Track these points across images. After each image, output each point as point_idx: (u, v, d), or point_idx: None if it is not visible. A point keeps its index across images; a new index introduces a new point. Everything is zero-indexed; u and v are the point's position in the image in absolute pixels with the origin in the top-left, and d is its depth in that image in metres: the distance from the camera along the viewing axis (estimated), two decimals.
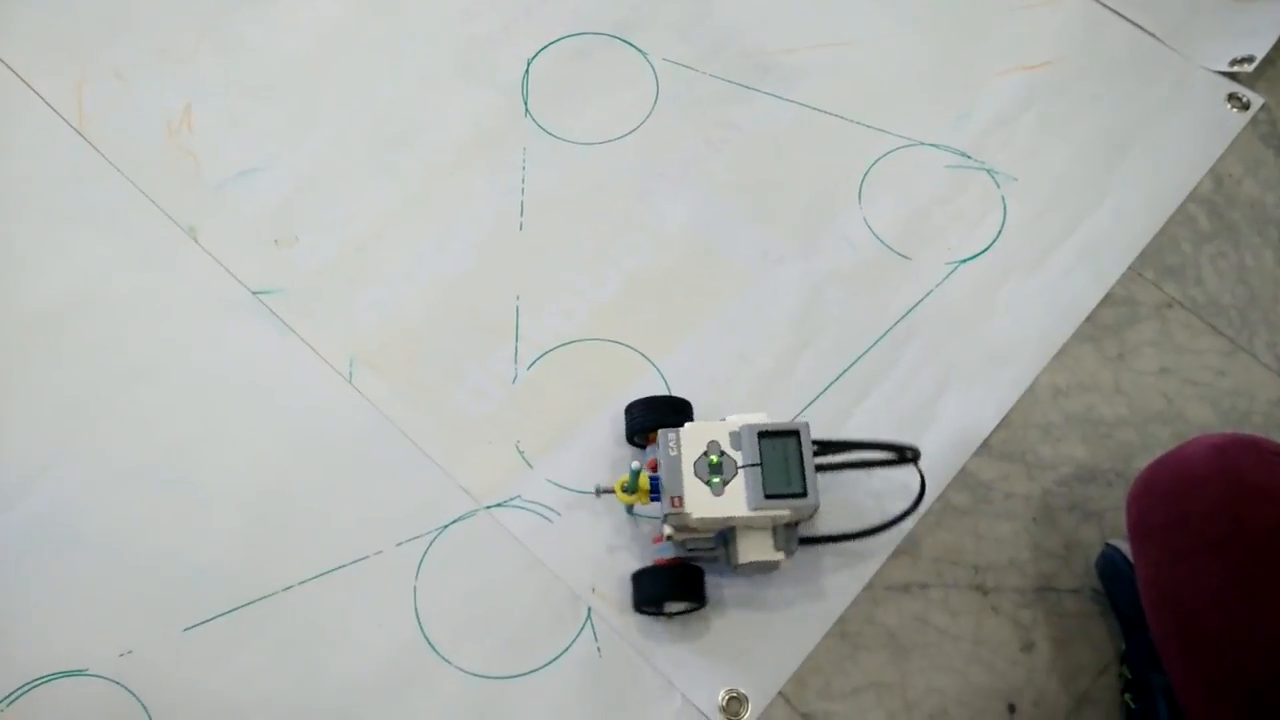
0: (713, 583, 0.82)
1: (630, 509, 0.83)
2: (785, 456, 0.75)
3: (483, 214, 0.96)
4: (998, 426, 0.89)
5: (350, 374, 0.89)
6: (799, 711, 0.80)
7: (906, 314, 0.93)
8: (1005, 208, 0.98)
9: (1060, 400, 0.91)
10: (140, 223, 0.94)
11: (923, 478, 0.81)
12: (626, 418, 0.85)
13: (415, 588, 0.82)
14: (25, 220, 0.94)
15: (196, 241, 0.94)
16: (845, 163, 1.00)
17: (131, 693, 0.78)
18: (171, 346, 0.90)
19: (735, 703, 0.79)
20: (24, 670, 0.78)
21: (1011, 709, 0.81)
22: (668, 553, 0.79)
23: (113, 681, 0.78)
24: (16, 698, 0.77)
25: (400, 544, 0.83)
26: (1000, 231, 0.97)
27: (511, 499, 0.85)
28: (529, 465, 0.86)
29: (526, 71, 1.03)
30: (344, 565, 0.82)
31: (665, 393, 0.88)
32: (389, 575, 0.82)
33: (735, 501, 0.75)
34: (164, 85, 1.01)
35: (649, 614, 0.81)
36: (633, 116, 1.01)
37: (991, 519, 0.86)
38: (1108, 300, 0.95)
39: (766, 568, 0.79)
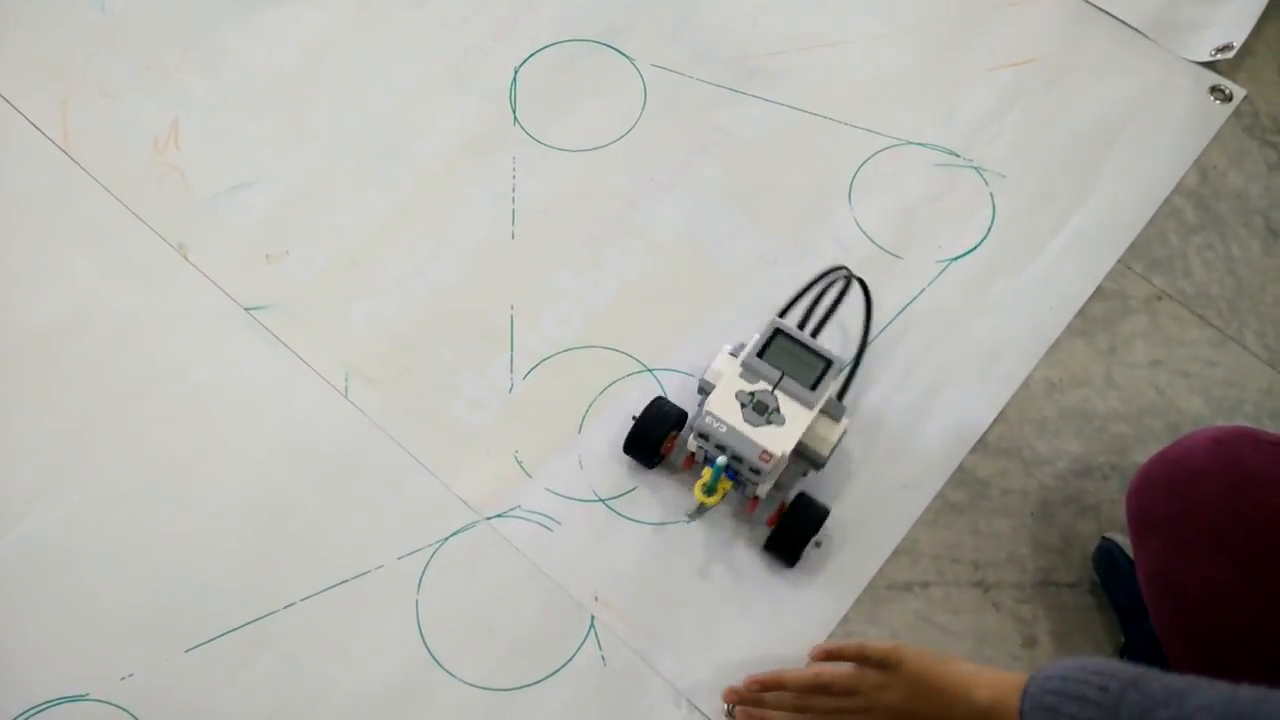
0: (715, 586, 0.82)
1: (702, 510, 0.85)
2: (788, 350, 0.80)
3: (475, 223, 0.96)
4: (994, 422, 0.90)
5: (346, 387, 0.89)
6: None
7: (899, 313, 0.93)
8: (994, 205, 0.99)
9: (1054, 395, 0.91)
10: (129, 241, 0.94)
11: (864, 285, 0.90)
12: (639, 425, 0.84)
13: (417, 601, 0.82)
14: (12, 240, 0.93)
15: (186, 259, 0.93)
16: (835, 164, 1.00)
17: (134, 716, 0.77)
18: (165, 365, 0.89)
19: None
20: (24, 697, 0.77)
21: None
22: (771, 509, 0.83)
23: (115, 705, 0.77)
24: None
25: (401, 557, 0.83)
26: (990, 228, 0.98)
27: (511, 509, 0.85)
28: (528, 475, 0.86)
29: (514, 79, 1.03)
30: (345, 581, 0.82)
31: (661, 394, 0.87)
32: (390, 589, 0.82)
33: (798, 413, 0.78)
34: (149, 101, 1.00)
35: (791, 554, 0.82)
36: (622, 122, 1.01)
37: (990, 515, 0.87)
38: (1098, 294, 0.95)
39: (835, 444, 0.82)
